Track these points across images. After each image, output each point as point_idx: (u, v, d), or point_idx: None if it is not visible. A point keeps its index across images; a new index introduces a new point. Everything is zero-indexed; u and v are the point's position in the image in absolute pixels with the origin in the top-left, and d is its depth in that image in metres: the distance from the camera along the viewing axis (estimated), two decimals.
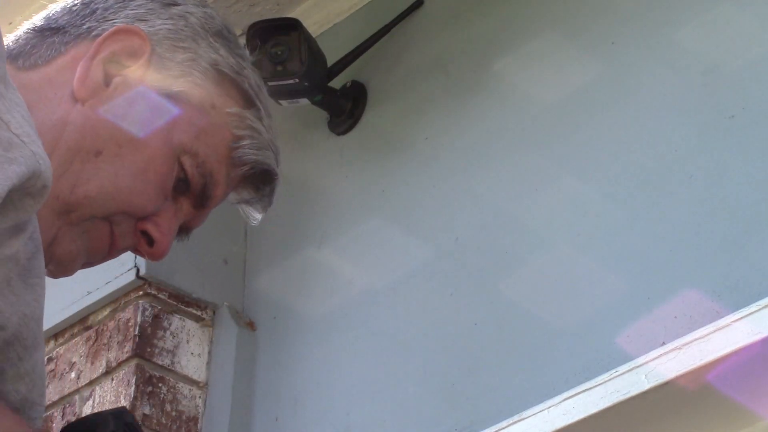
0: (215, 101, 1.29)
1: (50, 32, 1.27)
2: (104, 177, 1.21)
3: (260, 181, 1.35)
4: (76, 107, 1.22)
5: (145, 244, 1.28)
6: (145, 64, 1.26)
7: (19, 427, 1.04)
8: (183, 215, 1.30)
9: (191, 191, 1.29)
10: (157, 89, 1.26)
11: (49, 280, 1.13)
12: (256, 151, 1.31)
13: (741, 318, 1.86)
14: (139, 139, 1.23)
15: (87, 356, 2.55)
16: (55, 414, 2.53)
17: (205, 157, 1.27)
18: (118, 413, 1.14)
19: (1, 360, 1.03)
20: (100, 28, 1.27)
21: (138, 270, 2.54)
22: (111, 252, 1.28)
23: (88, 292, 2.58)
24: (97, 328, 2.57)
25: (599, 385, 1.95)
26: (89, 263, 1.28)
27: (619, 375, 1.94)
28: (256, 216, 1.40)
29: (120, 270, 2.55)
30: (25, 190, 0.97)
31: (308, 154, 2.76)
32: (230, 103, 1.30)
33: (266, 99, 1.34)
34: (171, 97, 1.26)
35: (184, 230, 1.34)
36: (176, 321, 2.57)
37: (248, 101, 1.31)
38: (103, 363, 2.50)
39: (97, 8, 1.29)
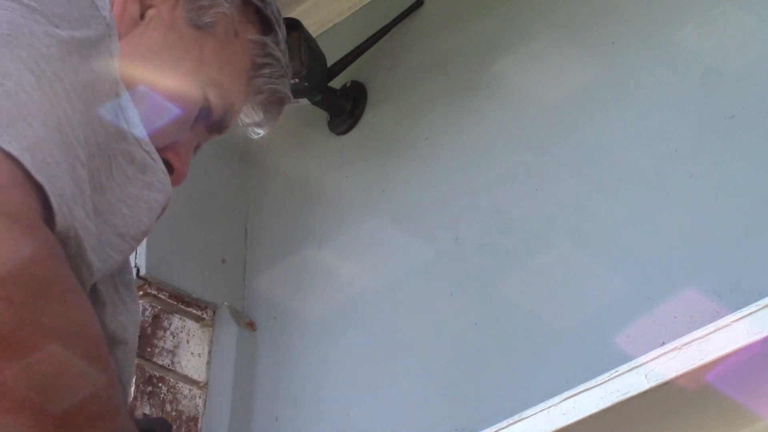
0: (238, 29, 1.30)
1: None
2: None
3: (273, 105, 1.35)
4: None
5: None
6: None
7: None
8: (197, 139, 1.30)
9: (211, 119, 1.28)
10: (188, 21, 1.26)
11: None
12: (275, 80, 1.32)
13: (741, 318, 1.86)
14: (172, 74, 1.23)
15: None
16: None
17: (228, 87, 1.28)
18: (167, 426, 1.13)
19: (119, 371, 1.03)
20: None
21: (138, 270, 2.54)
22: None
23: None
24: None
25: (599, 385, 1.95)
26: None
27: (619, 375, 1.94)
28: (259, 132, 1.40)
29: None
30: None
31: (308, 154, 2.76)
32: (251, 30, 1.31)
33: (282, 22, 1.36)
34: (200, 28, 1.26)
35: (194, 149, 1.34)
36: (176, 321, 2.57)
37: (268, 27, 1.32)
38: None
39: None
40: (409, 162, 2.53)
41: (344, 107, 2.71)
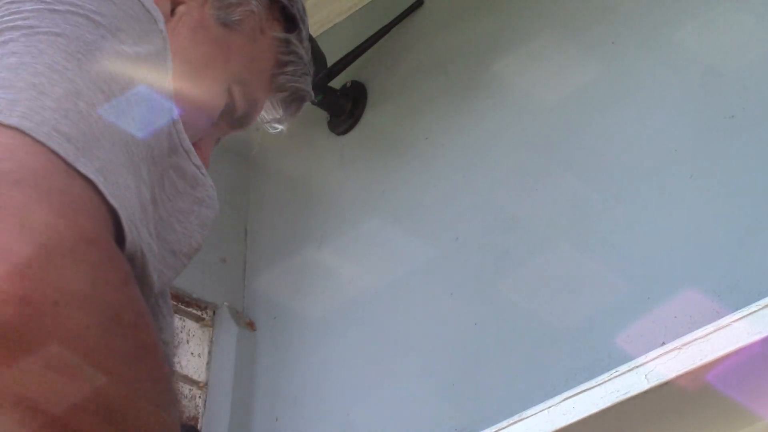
0: (264, 26, 1.31)
1: None
2: None
3: (294, 102, 1.36)
4: None
5: None
6: None
7: None
8: (219, 134, 1.31)
9: (234, 115, 1.29)
10: (216, 18, 1.27)
11: None
12: (298, 78, 1.33)
13: (741, 318, 1.86)
14: (199, 72, 1.23)
15: None
16: None
17: (253, 84, 1.29)
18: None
19: None
20: None
21: None
22: None
23: None
24: None
25: (599, 385, 1.95)
26: None
27: (619, 375, 1.94)
28: (278, 128, 1.41)
29: None
30: None
31: (308, 154, 2.76)
32: (276, 27, 1.32)
33: (307, 19, 1.37)
34: (228, 26, 1.27)
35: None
36: (176, 321, 2.57)
37: (293, 24, 1.34)
38: None
39: None
40: (409, 162, 2.54)
41: (344, 107, 2.71)
